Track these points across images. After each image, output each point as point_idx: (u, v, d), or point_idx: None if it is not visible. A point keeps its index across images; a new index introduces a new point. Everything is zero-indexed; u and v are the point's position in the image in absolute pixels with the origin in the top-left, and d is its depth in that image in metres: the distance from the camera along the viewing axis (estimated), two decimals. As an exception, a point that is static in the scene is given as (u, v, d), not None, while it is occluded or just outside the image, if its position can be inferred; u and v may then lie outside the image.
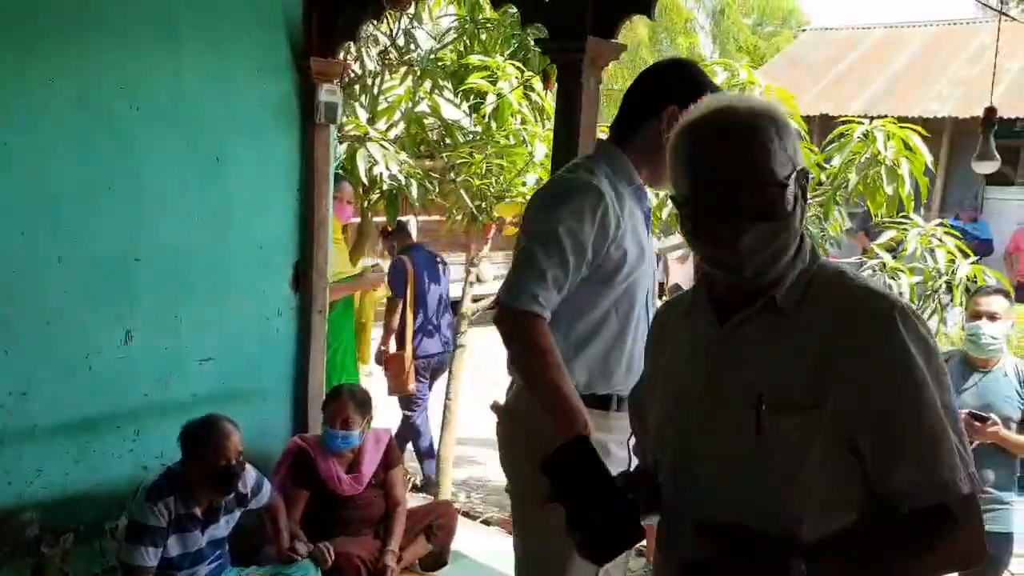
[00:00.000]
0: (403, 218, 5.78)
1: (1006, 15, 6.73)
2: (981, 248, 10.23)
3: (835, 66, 12.79)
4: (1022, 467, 3.63)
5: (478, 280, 5.95)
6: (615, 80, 13.27)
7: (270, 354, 3.64)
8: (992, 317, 3.53)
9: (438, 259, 5.51)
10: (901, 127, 4.33)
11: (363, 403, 3.50)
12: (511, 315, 1.98)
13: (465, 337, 4.90)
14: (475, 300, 5.00)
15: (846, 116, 4.79)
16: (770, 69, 14.01)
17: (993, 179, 11.26)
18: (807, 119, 4.85)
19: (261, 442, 3.57)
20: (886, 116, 5.18)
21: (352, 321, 4.21)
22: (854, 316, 1.28)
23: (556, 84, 2.93)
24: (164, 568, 2.88)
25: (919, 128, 4.38)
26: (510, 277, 2.03)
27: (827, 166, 4.55)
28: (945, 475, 1.24)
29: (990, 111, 4.17)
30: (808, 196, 1.34)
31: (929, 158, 4.26)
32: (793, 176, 1.28)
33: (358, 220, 4.43)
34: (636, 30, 12.46)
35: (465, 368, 5.21)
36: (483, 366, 7.75)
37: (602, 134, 4.63)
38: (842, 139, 4.41)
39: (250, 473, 3.13)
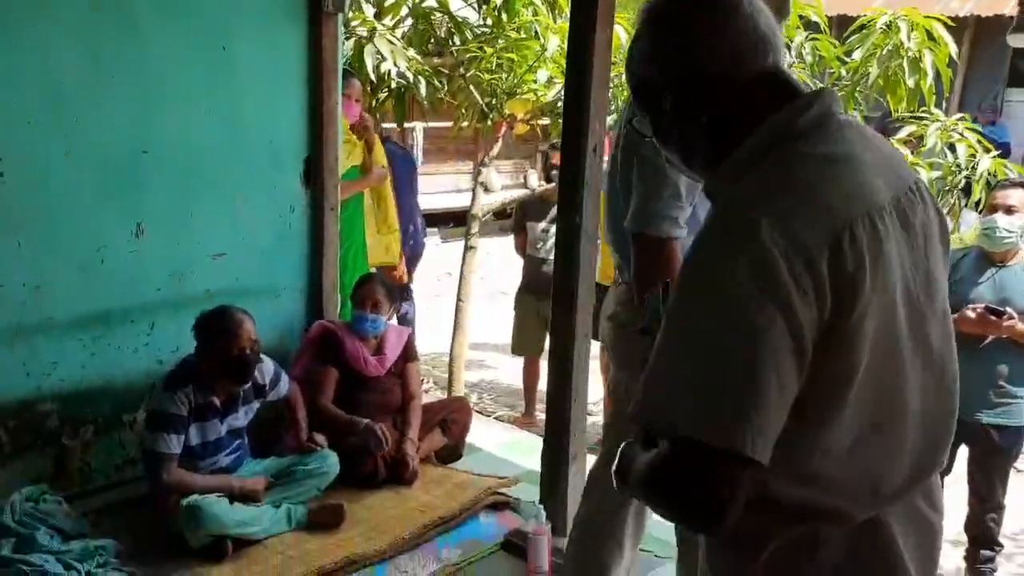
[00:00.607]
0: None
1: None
2: (1001, 150, 10.09)
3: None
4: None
5: (485, 190, 5.89)
6: None
7: (283, 250, 3.62)
8: (1009, 210, 3.48)
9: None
10: (926, 17, 4.20)
11: (391, 290, 3.63)
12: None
13: (475, 239, 4.87)
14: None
15: (869, 8, 4.63)
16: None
17: (1012, 81, 11.01)
18: (846, 17, 4.67)
19: (276, 336, 3.58)
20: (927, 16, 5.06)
21: (363, 220, 4.18)
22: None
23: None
24: (185, 457, 2.92)
25: (944, 17, 4.25)
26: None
27: (848, 60, 4.45)
28: (642, 410, 1.13)
29: None
30: (694, 108, 1.22)
31: (953, 48, 4.15)
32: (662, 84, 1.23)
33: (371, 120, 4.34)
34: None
35: (475, 271, 5.20)
36: (491, 273, 7.79)
37: (619, 26, 4.53)
38: (864, 31, 4.29)
39: (267, 365, 3.15)
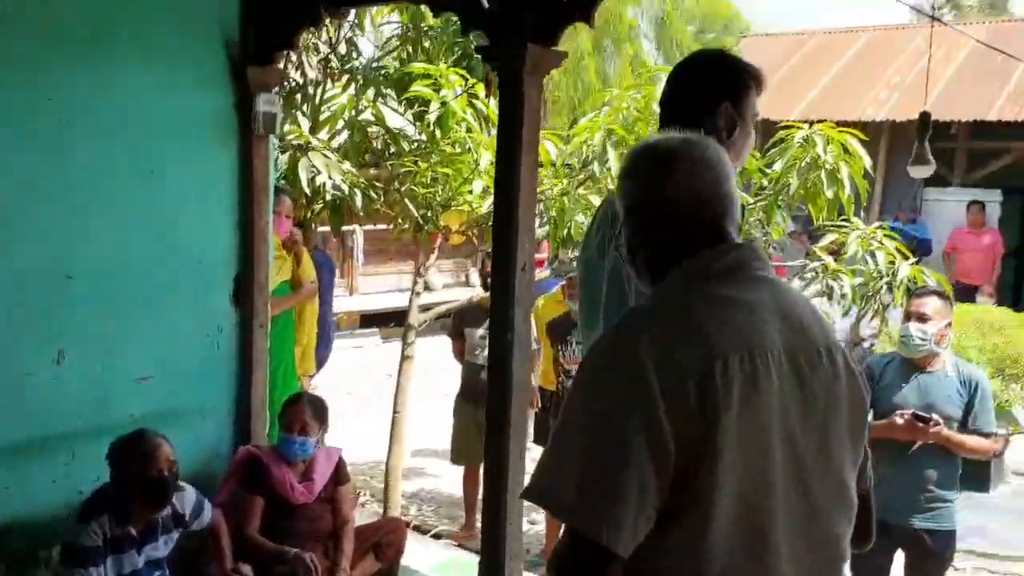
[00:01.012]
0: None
1: (938, 20, 6.90)
2: (921, 248, 10.46)
3: (775, 72, 12.98)
4: (964, 465, 3.70)
5: (426, 289, 5.93)
6: (560, 89, 13.31)
7: (211, 371, 3.55)
8: (922, 318, 3.58)
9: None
10: (840, 131, 4.40)
11: (321, 412, 3.51)
12: None
13: (413, 348, 4.85)
14: (423, 310, 4.96)
15: (787, 121, 4.83)
16: (713, 75, 14.16)
17: (931, 181, 11.51)
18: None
19: (203, 460, 3.48)
20: (825, 120, 5.27)
21: (292, 336, 4.14)
22: None
23: (497, 92, 2.91)
24: (101, 593, 2.78)
25: (857, 132, 4.45)
26: None
27: (769, 171, 4.62)
28: (528, 491, 1.30)
29: (925, 116, 4.25)
30: (642, 237, 1.46)
31: (868, 161, 4.34)
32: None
33: (300, 234, 4.36)
34: (579, 38, 12.53)
35: (414, 377, 5.16)
36: (435, 375, 7.73)
37: (547, 142, 4.67)
38: (783, 144, 4.47)
39: (189, 493, 3.05)
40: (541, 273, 7.19)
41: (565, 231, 4.64)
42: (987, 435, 3.64)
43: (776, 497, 1.29)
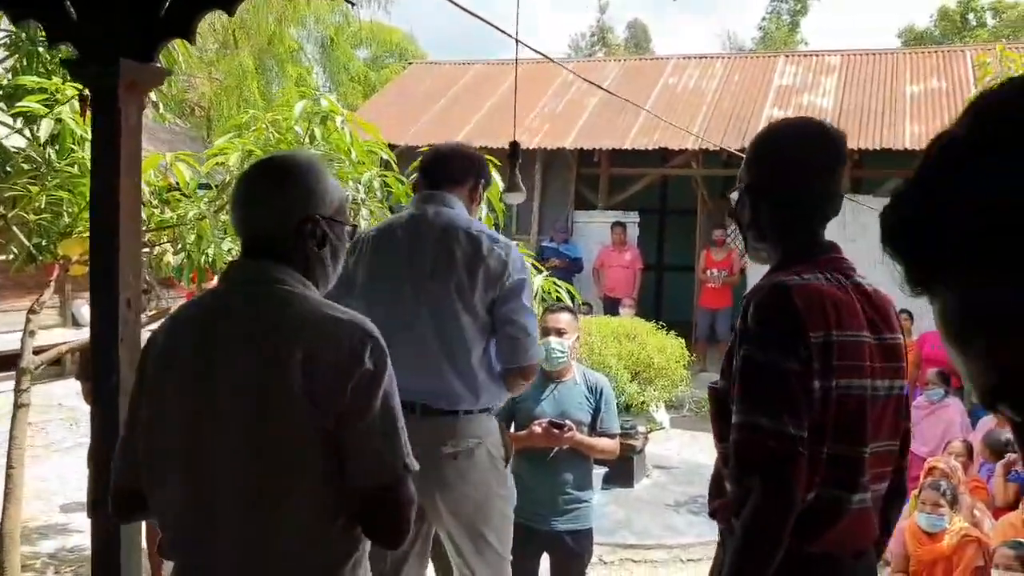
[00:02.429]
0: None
1: (549, 58, 7.42)
2: (574, 266, 11.31)
3: (440, 99, 13.43)
4: (608, 464, 3.96)
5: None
6: (223, 107, 12.74)
7: None
8: (559, 332, 3.82)
9: None
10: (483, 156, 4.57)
11: None
12: None
13: (28, 395, 4.28)
14: (36, 352, 4.40)
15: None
16: (379, 100, 14.36)
17: (580, 204, 12.49)
18: (411, 149, 4.94)
19: None
20: (483, 146, 5.50)
21: None
22: None
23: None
24: None
25: (492, 158, 4.65)
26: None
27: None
28: None
29: (514, 145, 4.55)
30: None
31: (501, 185, 4.54)
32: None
33: None
34: (241, 57, 12.11)
35: (28, 432, 4.56)
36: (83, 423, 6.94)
37: (182, 163, 4.37)
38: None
39: None
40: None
41: (203, 259, 4.35)
42: (612, 436, 3.93)
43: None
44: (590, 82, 7.94)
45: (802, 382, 1.76)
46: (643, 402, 7.04)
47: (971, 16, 29.25)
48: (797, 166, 1.91)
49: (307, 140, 4.55)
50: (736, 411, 1.81)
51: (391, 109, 13.12)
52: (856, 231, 11.22)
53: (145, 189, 4.34)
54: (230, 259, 4.56)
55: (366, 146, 4.88)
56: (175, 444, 1.75)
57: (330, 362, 1.67)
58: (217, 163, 4.40)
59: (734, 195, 2.03)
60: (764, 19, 35.98)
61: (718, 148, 11.22)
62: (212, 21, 13.68)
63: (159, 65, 2.65)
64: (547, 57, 6.10)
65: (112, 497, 1.88)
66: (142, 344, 2.13)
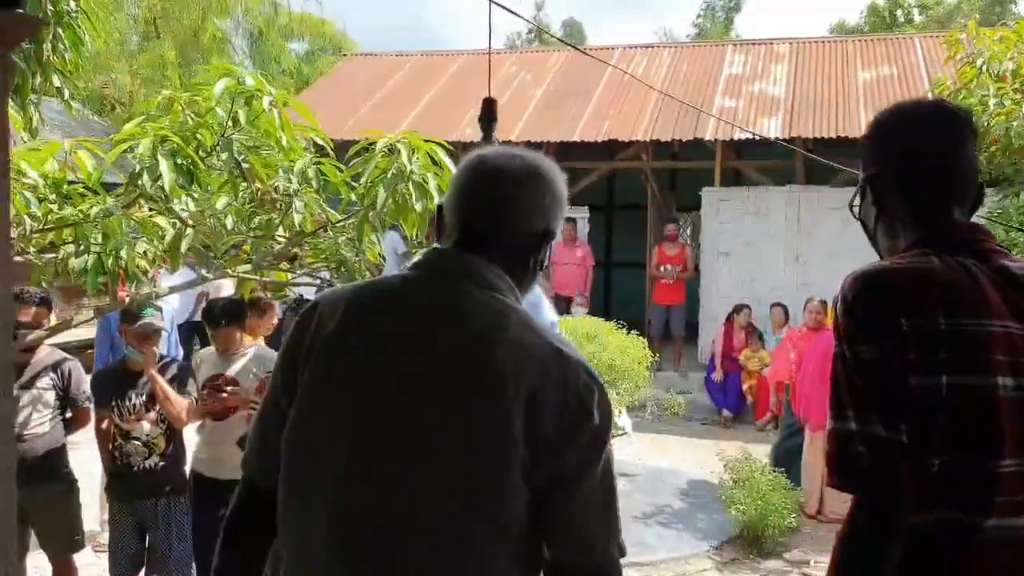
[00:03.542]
0: None
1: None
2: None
3: (377, 91, 12.84)
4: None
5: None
6: (139, 100, 11.94)
7: None
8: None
9: None
10: (426, 141, 4.04)
11: None
12: None
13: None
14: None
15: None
16: (312, 94, 13.69)
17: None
18: (347, 143, 4.40)
19: None
20: (426, 140, 4.93)
21: None
22: None
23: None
24: None
25: (444, 142, 4.14)
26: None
27: (356, 185, 4.13)
28: None
29: (488, 104, 4.11)
30: None
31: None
32: None
33: None
34: (162, 47, 11.34)
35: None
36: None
37: (83, 151, 3.75)
38: (366, 154, 4.00)
39: None
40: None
41: (113, 260, 3.73)
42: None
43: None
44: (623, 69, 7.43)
45: (895, 376, 1.54)
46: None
47: (899, 13, 29.83)
48: (910, 146, 1.74)
49: (230, 124, 3.96)
50: (828, 419, 1.61)
51: (325, 103, 12.48)
52: (810, 222, 11.03)
53: (40, 181, 3.73)
54: (145, 263, 3.97)
55: (301, 132, 4.31)
56: (331, 460, 1.45)
57: (555, 409, 1.40)
58: (125, 151, 3.78)
59: (855, 201, 1.86)
60: (699, 16, 36.21)
61: (669, 140, 10.91)
62: (135, 12, 12.86)
63: (25, 13, 2.07)
64: (551, 35, 5.57)
65: (239, 493, 1.65)
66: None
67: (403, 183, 3.95)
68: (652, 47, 13.05)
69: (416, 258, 1.59)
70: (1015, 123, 5.95)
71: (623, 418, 7.13)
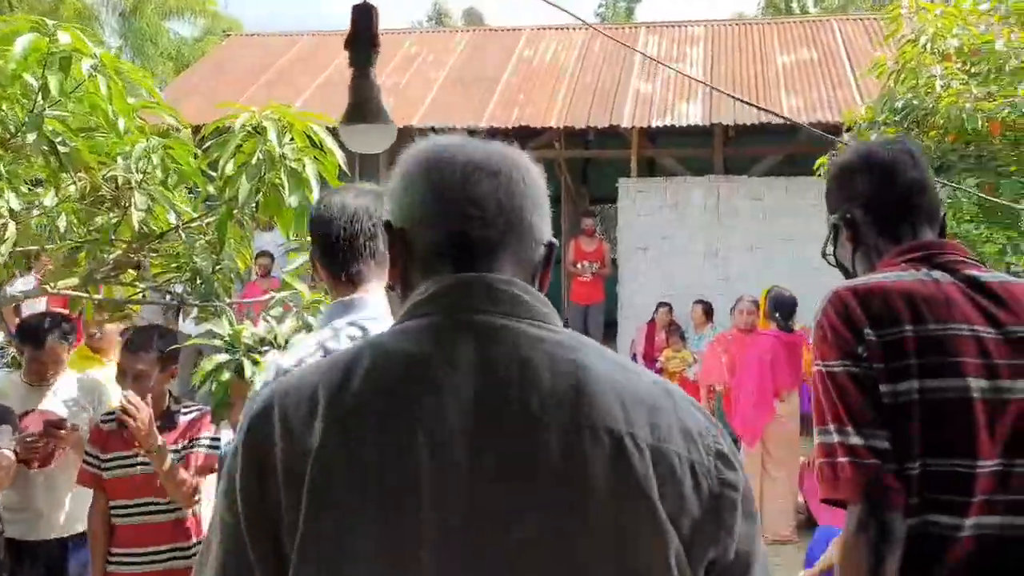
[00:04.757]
0: None
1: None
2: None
3: (263, 74, 11.73)
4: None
5: None
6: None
7: None
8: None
9: None
10: (304, 116, 3.18)
11: None
12: None
13: None
14: None
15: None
16: (191, 77, 12.46)
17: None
18: (228, 130, 3.48)
19: None
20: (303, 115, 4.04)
21: None
22: None
23: None
24: None
25: (328, 118, 3.29)
26: None
27: (215, 175, 3.24)
28: None
29: (361, 10, 3.29)
30: None
31: (341, 156, 3.14)
32: None
33: None
34: (18, 25, 9.98)
35: None
36: None
37: None
38: (223, 136, 3.10)
39: None
40: None
41: None
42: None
43: None
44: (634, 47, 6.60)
45: (871, 387, 1.63)
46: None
47: (795, 4, 30.26)
48: (878, 183, 1.87)
49: (39, 96, 3.00)
50: (814, 433, 1.70)
51: (206, 86, 11.31)
52: (728, 212, 10.50)
53: None
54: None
55: (150, 111, 3.37)
56: None
57: (685, 464, 1.04)
58: None
59: (828, 249, 1.98)
60: (601, 6, 35.99)
61: (584, 127, 10.21)
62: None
63: None
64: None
65: None
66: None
67: (272, 171, 3.07)
68: (563, 28, 12.30)
69: (419, 296, 1.10)
70: (967, 105, 5.41)
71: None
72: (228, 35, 13.82)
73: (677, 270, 10.11)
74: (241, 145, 3.14)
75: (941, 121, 5.74)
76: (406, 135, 10.95)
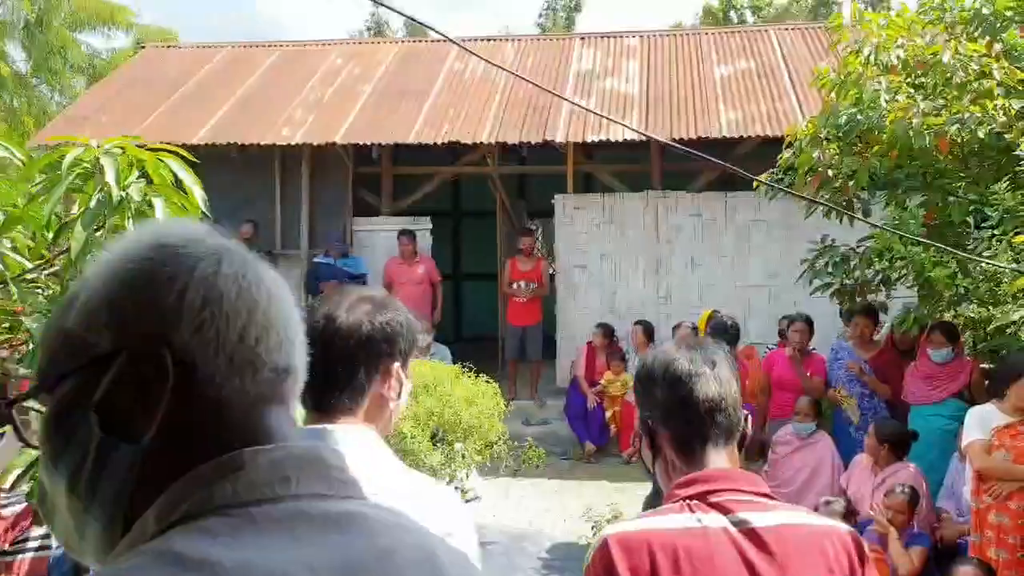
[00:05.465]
0: None
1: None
2: (358, 284, 9.39)
3: (180, 87, 11.08)
4: None
5: None
6: None
7: None
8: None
9: None
10: (157, 149, 2.66)
11: None
12: None
13: None
14: None
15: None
16: (101, 91, 11.75)
17: (360, 210, 10.62)
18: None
19: None
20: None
21: None
22: None
23: None
24: None
25: (185, 153, 2.79)
26: None
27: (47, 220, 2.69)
28: None
29: None
30: None
31: (200, 195, 2.63)
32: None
33: None
34: None
35: None
36: None
37: None
38: (49, 175, 2.56)
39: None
40: None
41: None
42: None
43: None
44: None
45: None
46: (450, 475, 5.34)
47: (732, 14, 30.39)
48: (667, 390, 1.84)
49: None
50: None
51: (118, 101, 10.65)
52: (669, 232, 10.14)
53: None
54: None
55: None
56: None
57: None
58: None
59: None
60: (541, 16, 35.88)
61: (516, 143, 9.79)
62: None
63: None
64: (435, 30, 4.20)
65: None
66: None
67: (114, 216, 2.54)
68: (494, 40, 11.88)
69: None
70: (915, 121, 5.09)
71: (473, 479, 5.92)
72: (143, 46, 13.10)
73: (617, 288, 9.73)
74: (83, 185, 2.62)
75: (885, 137, 5.43)
76: (330, 154, 10.40)
